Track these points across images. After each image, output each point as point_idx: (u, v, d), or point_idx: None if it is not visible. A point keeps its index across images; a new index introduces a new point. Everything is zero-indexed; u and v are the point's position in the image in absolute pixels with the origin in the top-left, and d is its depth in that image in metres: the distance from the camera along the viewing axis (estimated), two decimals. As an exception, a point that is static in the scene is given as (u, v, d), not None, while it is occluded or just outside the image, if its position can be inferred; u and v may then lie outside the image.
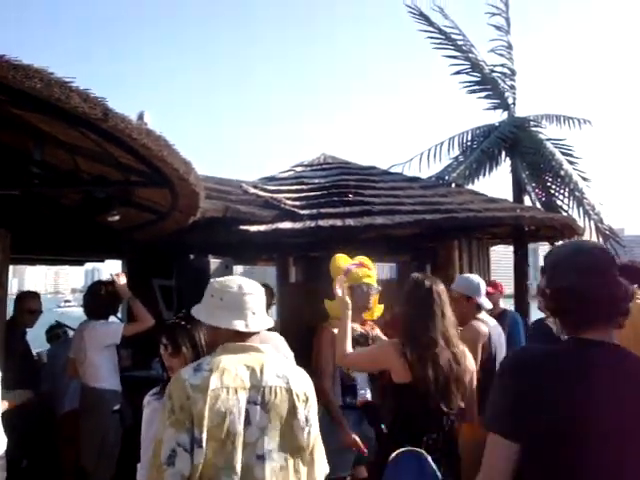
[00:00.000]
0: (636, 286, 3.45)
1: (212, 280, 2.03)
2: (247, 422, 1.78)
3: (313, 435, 1.93)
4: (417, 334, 2.56)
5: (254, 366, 1.84)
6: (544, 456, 1.39)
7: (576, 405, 1.38)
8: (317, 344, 3.43)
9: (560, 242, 9.07)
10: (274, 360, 1.92)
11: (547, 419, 1.38)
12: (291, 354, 3.31)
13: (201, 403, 1.73)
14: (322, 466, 1.98)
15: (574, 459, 1.37)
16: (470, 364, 2.71)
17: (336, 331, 3.00)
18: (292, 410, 1.85)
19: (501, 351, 3.53)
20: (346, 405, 3.34)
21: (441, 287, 2.70)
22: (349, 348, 2.78)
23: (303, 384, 1.93)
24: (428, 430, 2.48)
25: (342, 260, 3.52)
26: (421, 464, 2.35)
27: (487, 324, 3.53)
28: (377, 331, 3.51)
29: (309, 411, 1.91)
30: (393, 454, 2.39)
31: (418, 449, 2.38)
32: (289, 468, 1.83)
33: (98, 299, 4.08)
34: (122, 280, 4.09)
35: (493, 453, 1.45)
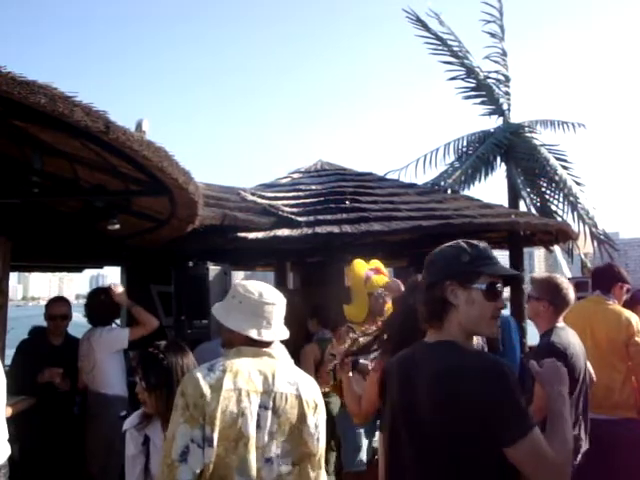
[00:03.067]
0: (598, 292, 3.43)
1: (237, 282, 2.06)
2: (258, 425, 1.80)
3: (322, 443, 1.94)
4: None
5: (266, 371, 1.87)
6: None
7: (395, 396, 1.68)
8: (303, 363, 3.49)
9: (555, 246, 9.17)
10: (286, 367, 1.94)
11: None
12: (291, 361, 3.38)
13: (214, 403, 1.74)
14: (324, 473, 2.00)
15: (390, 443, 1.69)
16: None
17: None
18: (301, 417, 1.87)
19: None
20: None
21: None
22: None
23: (313, 392, 1.95)
24: None
25: (360, 267, 3.61)
26: None
27: None
28: None
29: (318, 419, 1.93)
30: None
31: None
32: (296, 473, 1.86)
33: (100, 306, 4.10)
34: (119, 290, 4.12)
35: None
